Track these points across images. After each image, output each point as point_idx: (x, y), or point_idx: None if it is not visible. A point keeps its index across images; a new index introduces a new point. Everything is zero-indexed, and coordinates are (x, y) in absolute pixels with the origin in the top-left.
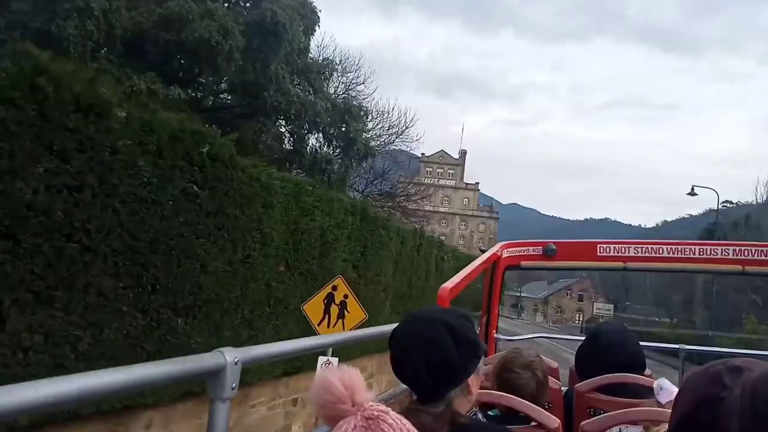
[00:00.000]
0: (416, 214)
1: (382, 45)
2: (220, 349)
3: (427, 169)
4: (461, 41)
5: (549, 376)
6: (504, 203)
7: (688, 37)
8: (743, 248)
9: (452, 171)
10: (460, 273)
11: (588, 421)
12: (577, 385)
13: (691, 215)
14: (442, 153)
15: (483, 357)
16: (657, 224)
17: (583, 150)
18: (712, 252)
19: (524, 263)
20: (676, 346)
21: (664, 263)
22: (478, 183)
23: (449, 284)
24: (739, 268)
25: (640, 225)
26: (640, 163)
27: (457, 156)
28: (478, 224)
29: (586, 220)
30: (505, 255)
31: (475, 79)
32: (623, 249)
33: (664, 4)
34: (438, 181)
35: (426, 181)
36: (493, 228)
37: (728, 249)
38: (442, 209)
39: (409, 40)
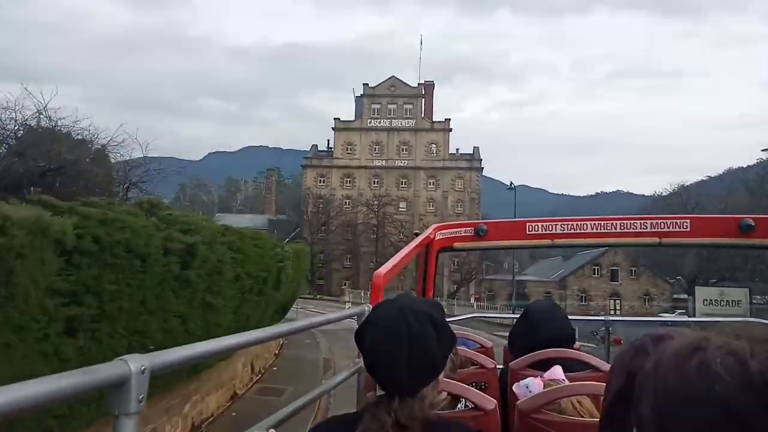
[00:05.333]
0: None
1: (376, 37)
2: (123, 357)
3: (374, 106)
4: (457, 26)
5: (484, 356)
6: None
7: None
8: (659, 221)
9: (409, 106)
10: (393, 258)
11: (524, 399)
12: (511, 363)
13: (709, 177)
14: (393, 80)
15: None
16: (675, 189)
17: (590, 125)
18: (632, 226)
19: (457, 244)
20: (602, 318)
21: (588, 239)
22: (449, 120)
23: (383, 269)
24: (656, 240)
25: (654, 193)
26: (649, 133)
27: (416, 84)
28: (453, 179)
29: (597, 194)
30: (438, 237)
31: (474, 63)
32: (550, 227)
33: None
34: (391, 123)
35: (371, 123)
36: (476, 183)
37: (646, 222)
38: (399, 163)
39: (403, 30)
